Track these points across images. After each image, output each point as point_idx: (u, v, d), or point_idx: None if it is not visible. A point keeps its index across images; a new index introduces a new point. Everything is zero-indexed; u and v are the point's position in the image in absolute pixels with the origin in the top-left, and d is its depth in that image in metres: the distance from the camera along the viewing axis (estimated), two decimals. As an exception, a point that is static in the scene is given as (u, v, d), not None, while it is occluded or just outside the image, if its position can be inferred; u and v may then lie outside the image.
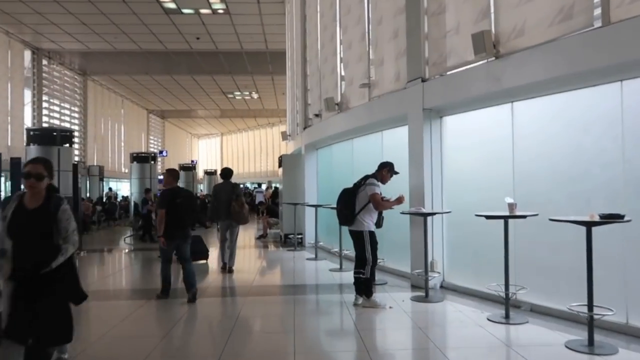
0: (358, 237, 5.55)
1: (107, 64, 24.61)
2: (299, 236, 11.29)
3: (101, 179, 26.52)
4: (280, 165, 12.46)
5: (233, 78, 27.39)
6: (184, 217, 5.95)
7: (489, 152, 5.90)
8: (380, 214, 5.66)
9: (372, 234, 5.55)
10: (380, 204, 5.49)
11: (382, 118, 7.53)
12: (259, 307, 5.77)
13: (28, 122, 21.42)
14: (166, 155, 38.74)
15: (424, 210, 5.86)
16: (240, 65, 24.64)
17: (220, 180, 8.42)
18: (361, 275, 5.56)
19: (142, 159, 21.02)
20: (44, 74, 22.41)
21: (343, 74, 9.24)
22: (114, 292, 6.98)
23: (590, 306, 3.98)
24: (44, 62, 22.42)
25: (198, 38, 20.58)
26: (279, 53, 20.13)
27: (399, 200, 5.62)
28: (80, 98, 26.49)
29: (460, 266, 6.37)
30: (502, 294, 4.98)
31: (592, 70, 4.48)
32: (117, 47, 21.66)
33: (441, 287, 6.49)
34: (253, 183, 45.14)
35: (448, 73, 6.24)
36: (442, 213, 6.21)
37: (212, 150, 51.86)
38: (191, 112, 38.31)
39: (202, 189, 34.83)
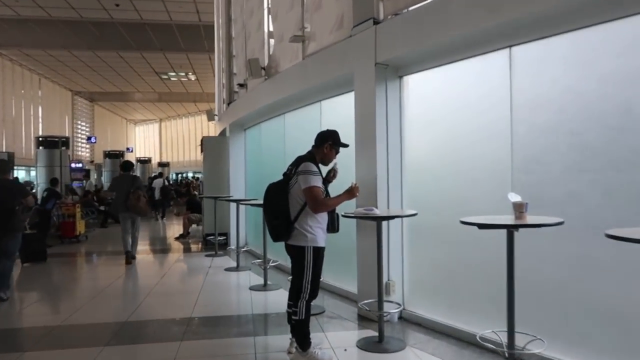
0: (297, 256, 3.50)
1: (14, 35, 21.16)
2: (222, 238, 9.12)
3: (11, 167, 23.07)
4: (202, 151, 10.19)
5: (165, 56, 24.59)
6: None
7: (473, 125, 3.98)
8: (332, 212, 3.64)
9: (318, 251, 3.49)
10: (321, 202, 3.42)
11: (319, 82, 5.47)
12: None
13: None
14: (95, 142, 35.28)
15: (377, 213, 3.86)
16: (172, 41, 21.94)
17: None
18: (293, 316, 3.54)
19: (51, 144, 18.06)
20: None
21: (271, 28, 7.11)
22: None
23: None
24: None
25: (117, 5, 17.74)
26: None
27: (351, 192, 3.61)
28: (-16, 74, 22.88)
29: (427, 291, 4.45)
30: (504, 350, 3.06)
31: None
32: (21, 13, 18.43)
33: (400, 317, 4.56)
34: (196, 172, 42.13)
35: (411, 8, 4.25)
36: (403, 217, 4.24)
37: (150, 137, 48.30)
38: (124, 95, 34.93)
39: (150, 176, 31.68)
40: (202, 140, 10.26)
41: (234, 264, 7.39)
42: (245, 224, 9.01)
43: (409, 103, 4.59)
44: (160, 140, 46.89)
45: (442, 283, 4.27)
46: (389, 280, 4.54)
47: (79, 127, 35.61)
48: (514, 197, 3.03)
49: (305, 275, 3.43)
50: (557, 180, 3.33)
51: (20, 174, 26.26)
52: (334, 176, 3.70)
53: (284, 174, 3.59)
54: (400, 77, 4.61)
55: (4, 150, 23.34)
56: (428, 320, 4.31)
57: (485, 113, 3.84)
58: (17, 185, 6.22)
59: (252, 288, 5.96)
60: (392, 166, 4.57)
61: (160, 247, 10.28)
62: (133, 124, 48.71)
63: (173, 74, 28.18)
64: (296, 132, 6.62)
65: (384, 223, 4.20)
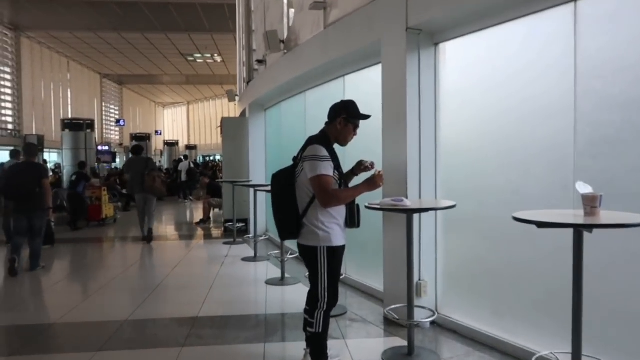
0: (309, 258, 2.90)
1: (39, 17, 21.09)
2: (242, 224, 8.65)
3: (40, 150, 23.24)
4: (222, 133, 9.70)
5: (190, 37, 24.19)
6: (10, 191, 6.16)
7: (524, 99, 3.30)
8: (351, 203, 2.98)
9: (333, 251, 2.86)
10: (332, 195, 2.77)
11: (342, 53, 4.84)
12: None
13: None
14: (124, 125, 35.50)
15: (407, 204, 3.24)
16: (196, 21, 21.50)
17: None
18: (308, 327, 2.96)
19: (76, 127, 17.95)
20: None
21: (291, -3, 6.49)
22: None
23: None
24: (-43, 11, 18.81)
25: (140, -17, 17.39)
26: (238, 4, 17.02)
27: (373, 182, 2.92)
28: (13, 57, 22.93)
29: (465, 293, 3.84)
30: (565, 380, 2.45)
31: None
32: (44, -7, 18.27)
33: (433, 323, 3.97)
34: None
35: (451, -39, 3.57)
36: (438, 209, 3.61)
37: (178, 120, 48.45)
38: (151, 77, 34.86)
39: (161, 161, 31.79)
40: (221, 122, 9.78)
41: (252, 254, 6.91)
42: (265, 211, 8.52)
43: (446, 75, 3.93)
44: (188, 123, 46.97)
45: (483, 285, 3.65)
46: (420, 280, 3.95)
47: (109, 110, 35.82)
48: (584, 188, 2.38)
49: (320, 281, 2.86)
50: (637, 166, 2.65)
51: (52, 156, 26.53)
52: (365, 170, 3.09)
53: (294, 159, 3.01)
54: (436, 44, 3.94)
55: (34, 133, 23.53)
56: (466, 328, 3.71)
57: (541, 84, 3.16)
58: (40, 168, 6.53)
59: (268, 282, 5.47)
60: (426, 149, 3.94)
61: (179, 233, 9.91)
62: (162, 107, 48.90)
63: (199, 55, 27.81)
64: (318, 111, 6.01)
65: (416, 216, 3.60)
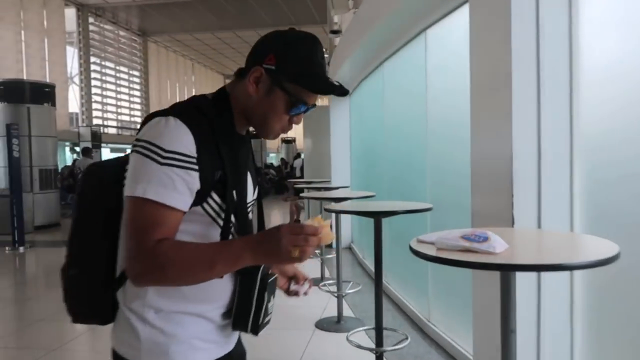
0: None
1: (161, 21, 22.11)
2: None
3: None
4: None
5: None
6: None
7: None
8: (249, 276, 1.13)
9: None
10: (151, 253, 0.99)
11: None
12: None
13: (76, 88, 19.73)
14: (245, 123, 36.59)
15: (497, 248, 1.47)
16: (306, 11, 20.76)
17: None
18: None
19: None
20: (91, 33, 20.27)
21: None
22: None
23: None
24: (90, 19, 20.25)
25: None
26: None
27: (279, 251, 0.98)
28: (141, 61, 24.40)
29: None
30: None
31: None
32: (160, -5, 18.83)
33: None
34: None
35: None
36: (574, 268, 1.75)
37: (299, 117, 49.24)
38: (270, 75, 35.47)
39: (283, 157, 31.75)
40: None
41: (319, 274, 5.49)
42: (349, 216, 7.04)
43: (585, 3, 2.09)
44: (303, 120, 47.32)
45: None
46: (537, 373, 2.16)
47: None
48: None
49: None
50: None
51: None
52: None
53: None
54: (573, -61, 2.12)
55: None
56: None
57: None
58: None
59: (319, 325, 3.99)
60: (549, 137, 2.13)
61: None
62: (284, 104, 50.13)
63: (311, 49, 27.27)
64: (395, 88, 4.37)
65: (524, 276, 1.85)
